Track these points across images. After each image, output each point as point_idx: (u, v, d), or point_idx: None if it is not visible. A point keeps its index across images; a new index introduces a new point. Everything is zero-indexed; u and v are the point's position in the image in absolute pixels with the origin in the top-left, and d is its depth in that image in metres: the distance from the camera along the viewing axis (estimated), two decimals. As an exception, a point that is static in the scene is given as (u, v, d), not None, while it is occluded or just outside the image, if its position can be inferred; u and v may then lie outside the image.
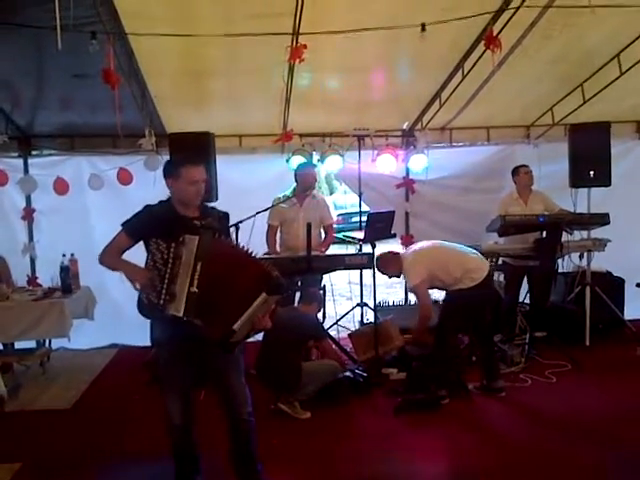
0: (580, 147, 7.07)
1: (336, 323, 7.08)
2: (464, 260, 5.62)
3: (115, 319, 7.44)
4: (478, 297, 5.49)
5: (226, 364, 3.72)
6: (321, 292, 6.29)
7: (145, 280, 3.46)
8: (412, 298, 8.06)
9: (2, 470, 4.41)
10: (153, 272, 3.45)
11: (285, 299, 6.21)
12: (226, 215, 3.88)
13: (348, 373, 5.93)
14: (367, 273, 6.64)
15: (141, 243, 3.66)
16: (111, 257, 3.69)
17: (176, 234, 3.45)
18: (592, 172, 6.96)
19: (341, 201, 20.08)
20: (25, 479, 4.35)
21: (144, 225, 3.63)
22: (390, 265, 5.89)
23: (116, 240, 3.70)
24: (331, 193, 26.06)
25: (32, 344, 6.76)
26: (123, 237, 3.67)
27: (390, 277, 6.06)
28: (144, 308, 3.53)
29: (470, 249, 5.84)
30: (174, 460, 3.82)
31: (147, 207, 3.73)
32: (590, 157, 6.98)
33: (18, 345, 6.67)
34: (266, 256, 6.08)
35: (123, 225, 3.68)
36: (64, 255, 6.52)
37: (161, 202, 3.75)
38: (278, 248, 6.65)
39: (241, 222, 5.65)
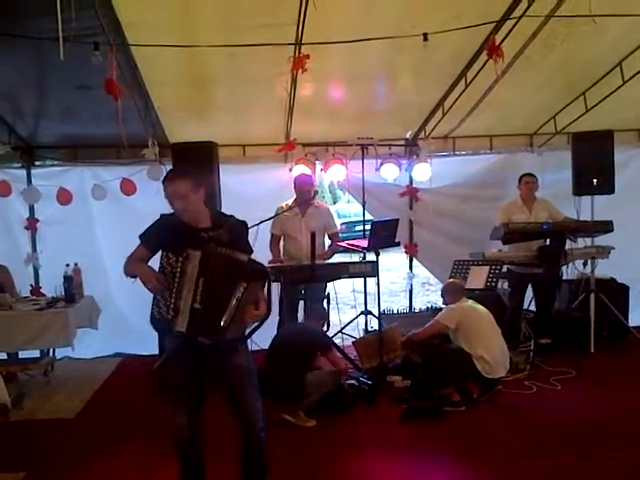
0: (583, 155, 7.09)
1: (340, 331, 7.04)
2: (489, 351, 5.59)
3: (119, 328, 7.46)
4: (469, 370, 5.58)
5: (241, 378, 3.71)
6: (325, 301, 6.31)
7: (156, 284, 3.45)
8: (416, 306, 8.10)
9: (8, 479, 4.41)
10: (164, 281, 3.45)
11: (288, 310, 6.24)
12: (243, 223, 3.80)
13: (353, 381, 5.93)
14: (371, 281, 6.64)
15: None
16: (130, 266, 3.68)
17: (183, 247, 3.44)
18: (595, 180, 6.97)
19: (344, 210, 20.07)
20: (30, 489, 4.35)
21: (157, 235, 3.63)
22: (450, 296, 5.97)
23: (135, 252, 3.71)
24: (334, 202, 26.09)
25: (36, 353, 6.76)
26: (141, 248, 3.69)
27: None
28: (156, 322, 3.54)
29: (505, 348, 5.80)
30: (180, 468, 3.80)
31: (162, 216, 3.72)
32: (593, 165, 7.00)
33: (22, 354, 6.68)
34: (271, 265, 6.09)
35: (140, 236, 3.70)
36: (67, 265, 6.51)
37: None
38: (281, 257, 6.65)
39: (245, 231, 5.68)
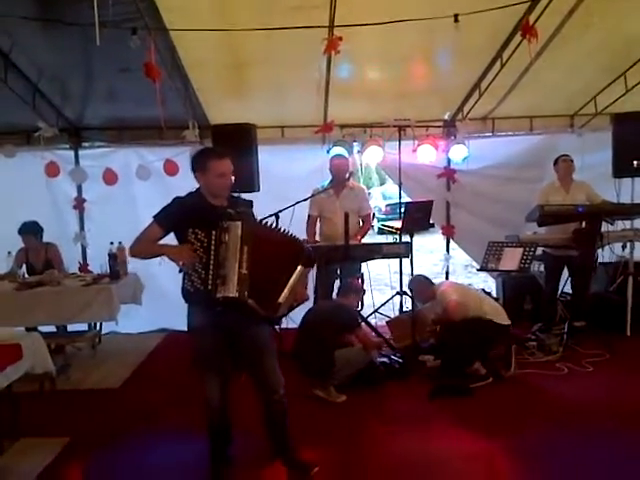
0: (624, 136, 6.96)
1: (376, 311, 7.15)
2: (483, 305, 5.90)
3: (163, 304, 7.58)
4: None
5: (261, 349, 3.86)
6: (359, 280, 6.39)
7: (189, 256, 3.54)
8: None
9: (52, 443, 4.64)
10: (196, 254, 3.54)
11: (324, 288, 6.36)
12: (250, 203, 3.96)
13: (385, 359, 6.03)
14: (407, 262, 6.70)
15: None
16: (143, 246, 3.72)
17: (213, 222, 3.53)
18: (636, 162, 6.87)
19: (390, 191, 20.04)
20: (73, 452, 4.57)
21: (176, 215, 3.68)
22: (428, 292, 6.16)
23: (147, 231, 3.72)
24: (382, 184, 26.05)
25: (84, 327, 7.02)
26: (155, 228, 3.69)
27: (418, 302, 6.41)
28: (189, 295, 3.67)
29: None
30: (208, 435, 4.00)
31: (176, 199, 3.78)
32: (634, 146, 6.87)
33: (71, 328, 6.94)
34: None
35: (155, 217, 3.72)
36: (112, 243, 6.74)
37: (190, 193, 3.81)
38: (317, 237, 6.77)
39: (280, 212, 5.84)
